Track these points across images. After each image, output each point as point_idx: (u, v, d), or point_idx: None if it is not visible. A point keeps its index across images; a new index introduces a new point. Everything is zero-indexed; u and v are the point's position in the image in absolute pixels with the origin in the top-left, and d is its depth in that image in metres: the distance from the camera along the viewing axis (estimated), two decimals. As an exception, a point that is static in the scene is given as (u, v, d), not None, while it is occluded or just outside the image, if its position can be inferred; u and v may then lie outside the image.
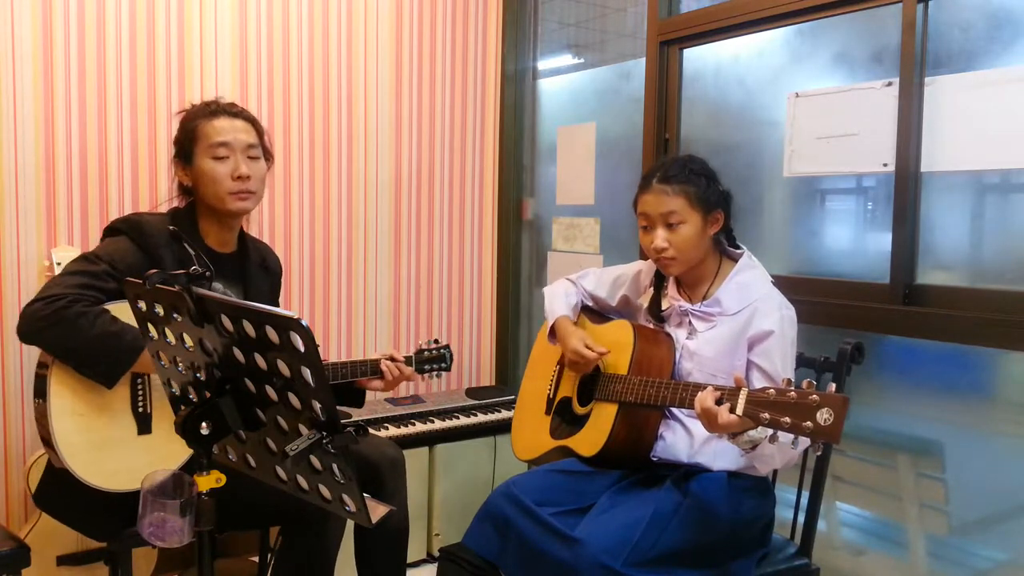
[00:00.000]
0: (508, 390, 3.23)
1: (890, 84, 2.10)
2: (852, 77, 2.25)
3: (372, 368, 2.10)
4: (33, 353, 2.48)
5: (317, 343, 1.10)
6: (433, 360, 2.27)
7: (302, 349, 1.09)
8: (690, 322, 1.90)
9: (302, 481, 1.25)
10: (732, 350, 1.83)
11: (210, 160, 1.90)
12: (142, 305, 1.36)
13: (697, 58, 2.69)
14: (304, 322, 1.08)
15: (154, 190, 2.66)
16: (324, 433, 1.14)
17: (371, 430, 2.60)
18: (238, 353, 1.20)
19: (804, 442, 1.46)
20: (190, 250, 1.90)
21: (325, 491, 1.22)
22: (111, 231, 1.91)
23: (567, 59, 3.39)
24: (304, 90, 2.93)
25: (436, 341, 2.31)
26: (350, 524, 2.12)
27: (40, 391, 1.76)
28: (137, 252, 1.83)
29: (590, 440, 1.90)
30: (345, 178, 3.04)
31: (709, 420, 1.54)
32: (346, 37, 3.01)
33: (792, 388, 1.43)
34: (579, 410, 2.00)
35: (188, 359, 1.32)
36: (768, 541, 1.86)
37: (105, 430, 1.78)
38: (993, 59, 1.96)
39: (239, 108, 1.98)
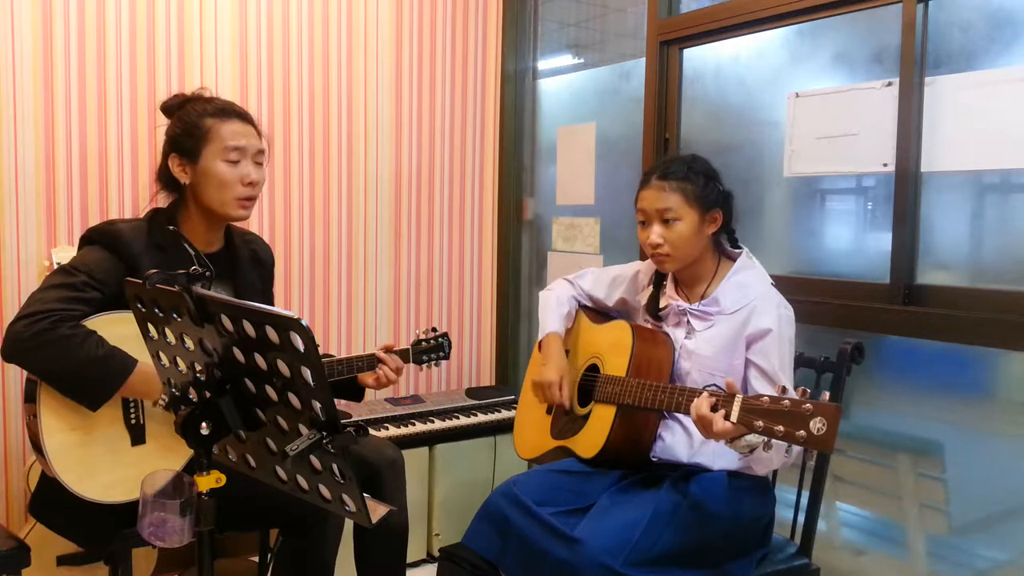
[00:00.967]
0: (508, 390, 3.23)
1: (890, 84, 2.10)
2: (852, 77, 2.25)
3: (369, 364, 2.09)
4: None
5: (317, 343, 1.10)
6: (431, 350, 2.25)
7: (302, 349, 1.09)
8: (688, 321, 1.90)
9: (302, 481, 1.25)
10: (730, 349, 1.83)
11: (222, 163, 1.86)
12: (142, 305, 1.36)
13: (697, 58, 2.69)
14: (304, 322, 1.08)
15: (154, 190, 2.66)
16: (324, 433, 1.14)
17: (371, 430, 2.60)
18: (238, 353, 1.20)
19: (798, 450, 1.46)
20: (190, 250, 1.90)
21: (325, 491, 1.22)
22: (86, 241, 1.86)
23: (567, 59, 3.39)
24: (304, 90, 2.93)
25: (434, 329, 2.28)
26: (350, 524, 2.12)
27: (31, 399, 1.73)
28: (114, 260, 1.79)
29: (589, 441, 1.90)
30: (345, 178, 3.04)
31: (704, 427, 1.54)
32: (346, 37, 3.01)
33: (786, 396, 1.43)
34: (579, 411, 2.00)
35: (188, 359, 1.32)
36: (768, 541, 1.86)
37: (98, 444, 1.75)
38: (993, 59, 1.96)
39: (243, 110, 1.95)
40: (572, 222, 3.21)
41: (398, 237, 3.19)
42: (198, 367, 1.30)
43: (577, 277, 2.23)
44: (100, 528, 1.84)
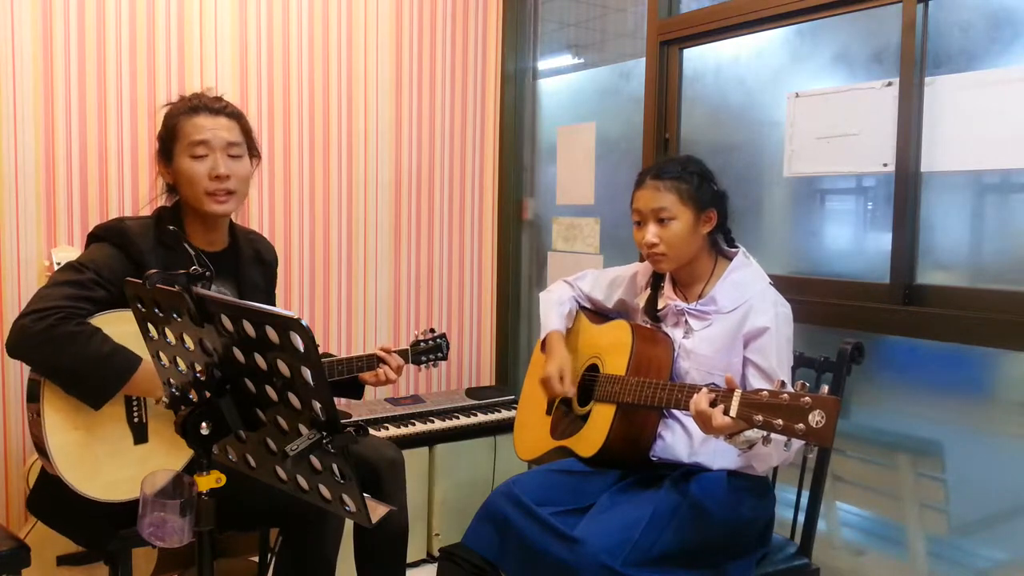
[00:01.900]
0: (508, 390, 3.23)
1: (890, 84, 2.10)
2: (852, 77, 2.25)
3: (368, 364, 2.10)
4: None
5: (317, 343, 1.10)
6: (430, 351, 2.26)
7: (302, 349, 1.09)
8: (686, 321, 1.90)
9: (302, 481, 1.25)
10: (728, 348, 1.83)
11: (188, 159, 1.85)
12: (142, 305, 1.36)
13: (697, 58, 2.69)
14: (304, 322, 1.08)
15: (154, 190, 2.65)
16: (324, 433, 1.14)
17: (371, 430, 2.60)
18: (238, 353, 1.20)
19: (797, 443, 1.46)
20: (191, 250, 1.90)
21: (325, 491, 1.22)
22: (93, 238, 1.86)
23: (567, 59, 3.39)
24: (304, 90, 2.93)
25: (432, 331, 2.28)
26: (349, 524, 2.12)
27: (34, 398, 1.73)
28: (121, 258, 1.79)
29: (589, 440, 1.90)
30: (345, 178, 3.04)
31: (704, 422, 1.55)
32: (346, 37, 3.01)
33: (785, 390, 1.44)
34: (579, 410, 2.00)
35: (188, 359, 1.32)
36: (768, 541, 1.87)
37: (101, 443, 1.76)
38: (993, 59, 1.96)
39: (223, 103, 1.92)
40: (572, 222, 3.21)
41: (398, 237, 3.19)
42: (198, 367, 1.30)
43: (576, 279, 2.23)
44: (98, 526, 1.84)
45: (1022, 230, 1.96)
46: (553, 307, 2.15)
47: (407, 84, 3.16)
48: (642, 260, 2.07)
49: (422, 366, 2.26)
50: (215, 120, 1.88)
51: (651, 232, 1.87)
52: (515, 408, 3.02)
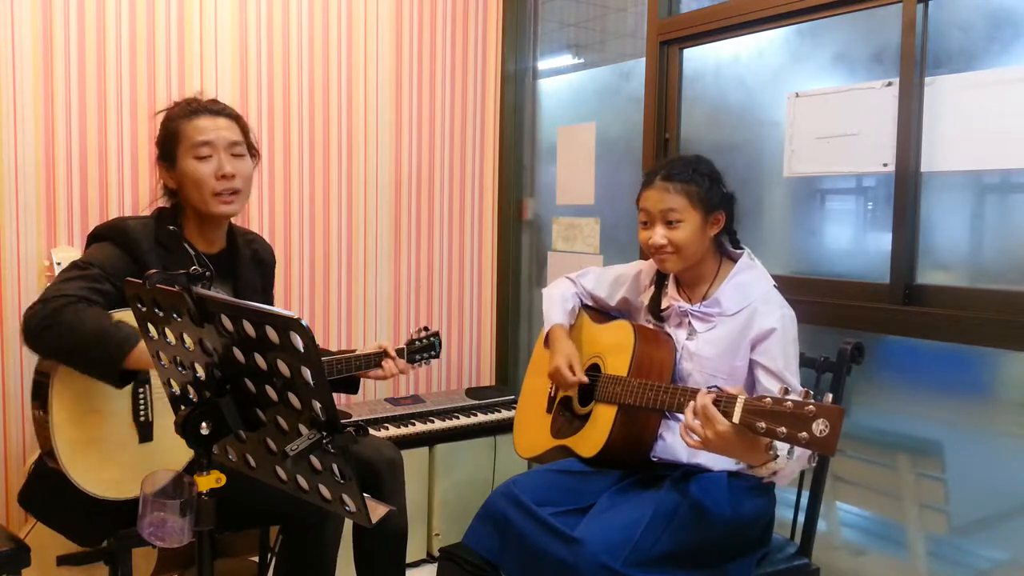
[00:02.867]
0: (508, 390, 3.23)
1: (890, 84, 2.10)
2: (852, 77, 2.25)
3: (367, 362, 2.12)
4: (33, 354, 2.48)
5: (317, 343, 1.10)
6: (423, 349, 2.29)
7: (302, 349, 1.09)
8: (690, 323, 1.90)
9: (302, 481, 1.25)
10: (732, 351, 1.83)
11: (193, 160, 1.86)
12: (142, 305, 1.36)
13: (697, 58, 2.69)
14: (304, 322, 1.08)
15: (154, 190, 2.66)
16: (324, 433, 1.14)
17: (371, 430, 2.60)
18: (238, 353, 1.20)
19: (799, 452, 1.45)
20: (190, 250, 1.90)
21: (325, 491, 1.22)
22: (95, 237, 1.87)
23: (567, 59, 3.39)
24: (304, 90, 2.93)
25: (426, 329, 2.31)
26: (349, 524, 2.12)
27: (41, 398, 1.74)
28: (124, 257, 1.80)
29: (590, 441, 1.90)
30: (345, 178, 3.04)
31: (705, 424, 1.53)
32: (346, 37, 3.01)
33: (788, 397, 1.42)
34: (579, 410, 2.00)
35: (188, 359, 1.32)
36: (768, 541, 1.86)
37: (107, 440, 1.77)
38: (993, 59, 1.96)
39: (221, 105, 1.94)
40: (572, 222, 3.21)
41: (398, 237, 3.19)
42: (198, 367, 1.30)
43: (579, 276, 2.23)
44: (92, 523, 1.84)
45: (1022, 230, 1.96)
46: (556, 302, 2.15)
47: (407, 84, 3.16)
48: (644, 258, 2.07)
49: (416, 364, 2.29)
50: (215, 121, 1.89)
51: (659, 234, 1.86)
52: (515, 408, 3.02)
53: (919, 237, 2.09)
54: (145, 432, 1.81)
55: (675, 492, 1.76)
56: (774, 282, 1.89)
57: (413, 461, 2.75)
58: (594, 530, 1.66)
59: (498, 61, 3.37)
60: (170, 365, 1.37)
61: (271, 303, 2.18)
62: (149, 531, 1.29)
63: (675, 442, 1.86)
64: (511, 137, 3.41)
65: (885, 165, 2.11)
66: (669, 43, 2.71)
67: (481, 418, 2.96)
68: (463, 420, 2.92)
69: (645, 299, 2.05)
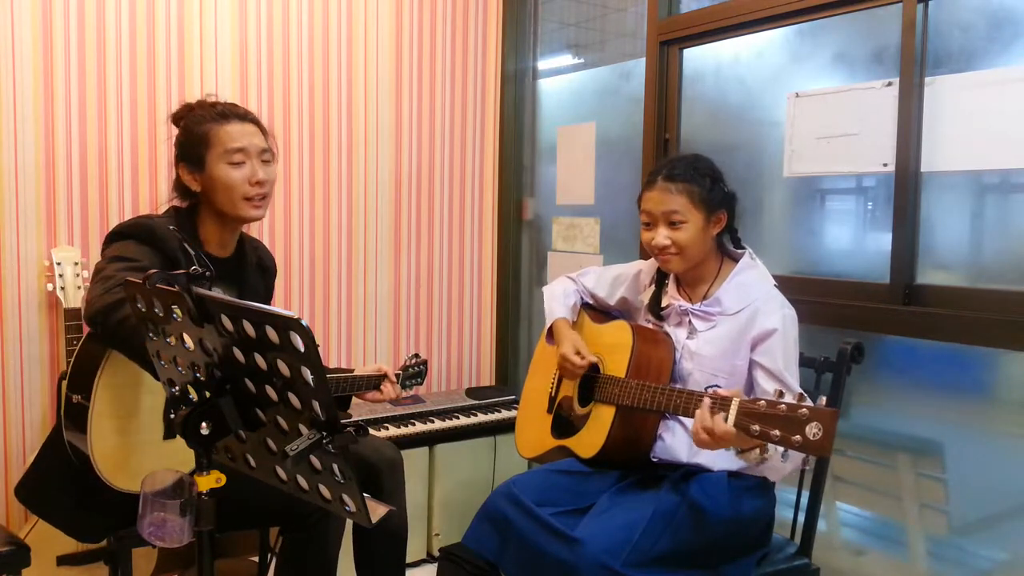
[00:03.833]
0: (508, 390, 3.23)
1: (890, 84, 2.10)
2: (852, 77, 2.25)
3: (367, 384, 2.14)
4: (33, 354, 2.49)
5: (317, 343, 1.10)
6: (416, 375, 2.35)
7: (302, 349, 1.09)
8: (690, 322, 1.90)
9: (302, 481, 1.25)
10: (733, 350, 1.83)
11: (226, 166, 1.87)
12: (142, 305, 1.36)
13: (697, 58, 2.69)
14: (304, 322, 1.08)
15: (154, 190, 2.67)
16: (324, 433, 1.14)
17: (371, 430, 2.61)
18: (238, 353, 1.20)
19: (794, 454, 1.46)
20: (191, 251, 1.90)
21: (325, 491, 1.22)
22: (118, 236, 1.82)
23: (567, 59, 3.39)
24: (304, 90, 2.93)
25: (416, 356, 2.37)
26: (349, 524, 2.12)
27: (83, 387, 1.72)
28: (155, 254, 1.78)
29: (589, 441, 1.90)
30: (345, 178, 3.04)
31: (709, 435, 1.53)
32: (346, 37, 3.01)
33: (783, 400, 1.43)
34: (579, 410, 2.00)
35: (188, 359, 1.32)
36: (768, 541, 1.86)
37: (136, 434, 1.78)
38: (993, 59, 1.96)
39: (245, 110, 1.95)
40: (572, 222, 3.21)
41: (398, 237, 3.19)
42: (198, 367, 1.30)
43: (579, 275, 2.23)
44: (91, 519, 1.84)
45: (1022, 230, 1.96)
46: (558, 298, 2.16)
47: (407, 84, 3.16)
48: (644, 258, 2.07)
49: (407, 390, 2.34)
50: (245, 127, 1.91)
51: (662, 235, 1.86)
52: (515, 408, 3.02)
53: (919, 237, 2.09)
54: (170, 429, 1.82)
55: (675, 492, 1.76)
56: (775, 282, 1.89)
57: (413, 461, 2.75)
58: (594, 530, 1.66)
59: (498, 61, 3.37)
60: (170, 365, 1.37)
61: None
62: (149, 531, 1.29)
63: (674, 442, 1.86)
64: (511, 137, 3.41)
65: (885, 165, 2.11)
66: (669, 43, 2.71)
67: (481, 418, 2.96)
68: (463, 420, 2.93)
69: (645, 298, 2.05)
